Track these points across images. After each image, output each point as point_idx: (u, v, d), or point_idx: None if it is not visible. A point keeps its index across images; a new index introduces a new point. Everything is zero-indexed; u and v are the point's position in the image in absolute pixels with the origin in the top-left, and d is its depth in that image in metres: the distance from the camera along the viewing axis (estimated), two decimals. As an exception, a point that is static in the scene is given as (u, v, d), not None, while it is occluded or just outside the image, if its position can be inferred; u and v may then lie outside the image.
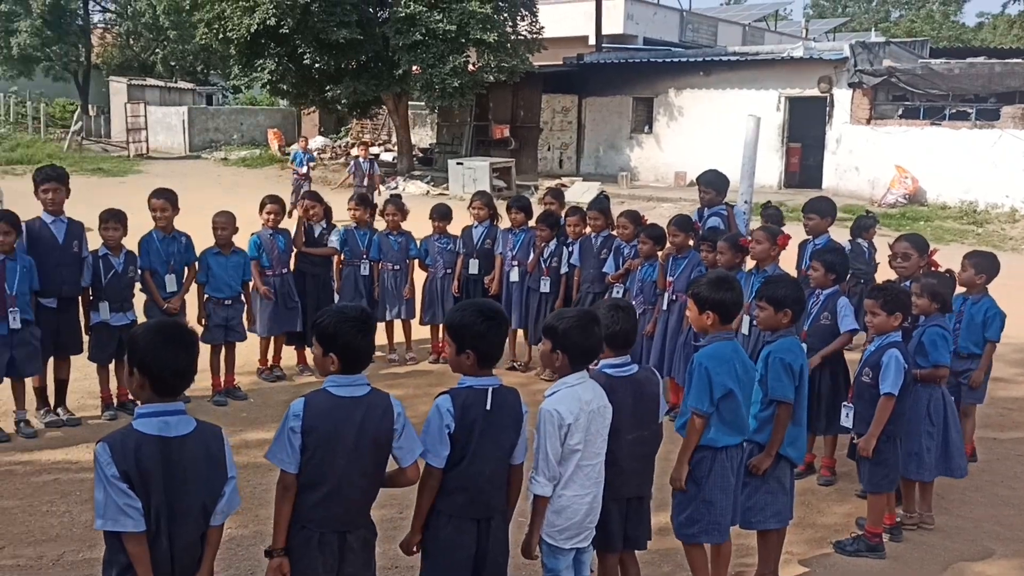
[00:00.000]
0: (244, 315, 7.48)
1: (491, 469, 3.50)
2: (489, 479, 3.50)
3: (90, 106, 37.34)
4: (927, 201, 20.66)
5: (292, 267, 7.99)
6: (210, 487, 3.03)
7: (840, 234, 9.02)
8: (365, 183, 16.65)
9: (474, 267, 8.35)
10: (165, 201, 7.01)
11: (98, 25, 40.51)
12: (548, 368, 3.91)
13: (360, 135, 31.47)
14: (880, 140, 21.58)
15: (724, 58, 24.87)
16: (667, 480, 4.28)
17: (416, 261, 8.51)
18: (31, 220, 6.52)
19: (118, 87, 35.87)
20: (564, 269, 8.03)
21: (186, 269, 7.13)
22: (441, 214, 8.46)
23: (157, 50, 38.23)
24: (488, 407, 3.46)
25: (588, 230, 7.99)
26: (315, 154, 22.48)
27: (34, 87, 37.16)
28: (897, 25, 58.87)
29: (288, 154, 30.08)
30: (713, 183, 7.66)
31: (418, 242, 8.52)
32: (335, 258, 8.26)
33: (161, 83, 37.08)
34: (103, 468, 2.86)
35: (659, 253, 7.25)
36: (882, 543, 5.02)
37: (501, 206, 8.71)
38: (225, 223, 7.23)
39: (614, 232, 7.79)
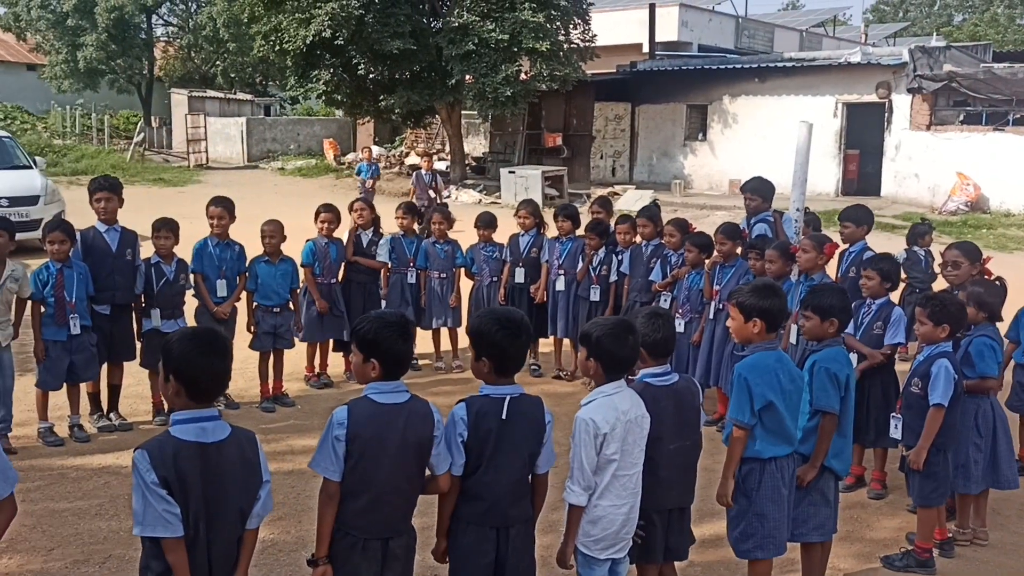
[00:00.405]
0: (292, 323, 7.57)
1: (510, 478, 3.47)
2: (508, 488, 3.47)
3: (153, 118, 38.22)
4: (990, 208, 20.16)
5: (341, 277, 8.08)
6: (246, 491, 3.07)
7: (898, 242, 8.83)
8: (429, 196, 15.21)
9: (520, 276, 8.34)
10: (223, 209, 7.17)
11: (161, 39, 41.51)
12: (586, 376, 3.88)
13: (414, 144, 31.73)
14: (940, 146, 21.12)
15: (779, 64, 24.56)
16: (711, 491, 4.22)
17: (463, 269, 8.53)
18: (86, 229, 6.72)
19: (179, 99, 36.69)
20: (613, 277, 7.99)
21: (238, 277, 7.26)
22: (486, 222, 8.48)
23: (217, 62, 39.00)
24: (504, 416, 3.44)
25: (638, 239, 7.95)
26: (379, 165, 21.52)
27: (99, 99, 38.14)
28: (960, 29, 57.58)
29: (343, 164, 30.49)
30: (758, 190, 7.56)
31: (464, 250, 8.55)
32: (383, 266, 8.31)
33: (221, 95, 37.82)
34: (142, 475, 2.90)
35: (706, 262, 7.18)
36: (932, 559, 4.89)
37: (549, 215, 8.70)
38: (273, 231, 7.33)
39: (664, 243, 7.74)
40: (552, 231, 8.48)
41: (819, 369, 4.36)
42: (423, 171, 15.88)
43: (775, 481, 4.07)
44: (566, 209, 8.49)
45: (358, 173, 18.52)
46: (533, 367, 8.52)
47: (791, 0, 73.36)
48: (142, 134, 32.99)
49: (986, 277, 5.70)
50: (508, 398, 3.48)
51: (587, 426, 3.62)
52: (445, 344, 8.60)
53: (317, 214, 7.93)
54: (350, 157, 31.47)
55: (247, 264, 7.34)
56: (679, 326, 7.26)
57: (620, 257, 7.99)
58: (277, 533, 5.11)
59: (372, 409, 3.31)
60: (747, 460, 4.08)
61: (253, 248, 7.49)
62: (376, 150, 31.21)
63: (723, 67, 25.43)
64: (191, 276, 7.03)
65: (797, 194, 9.45)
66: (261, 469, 3.12)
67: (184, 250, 7.03)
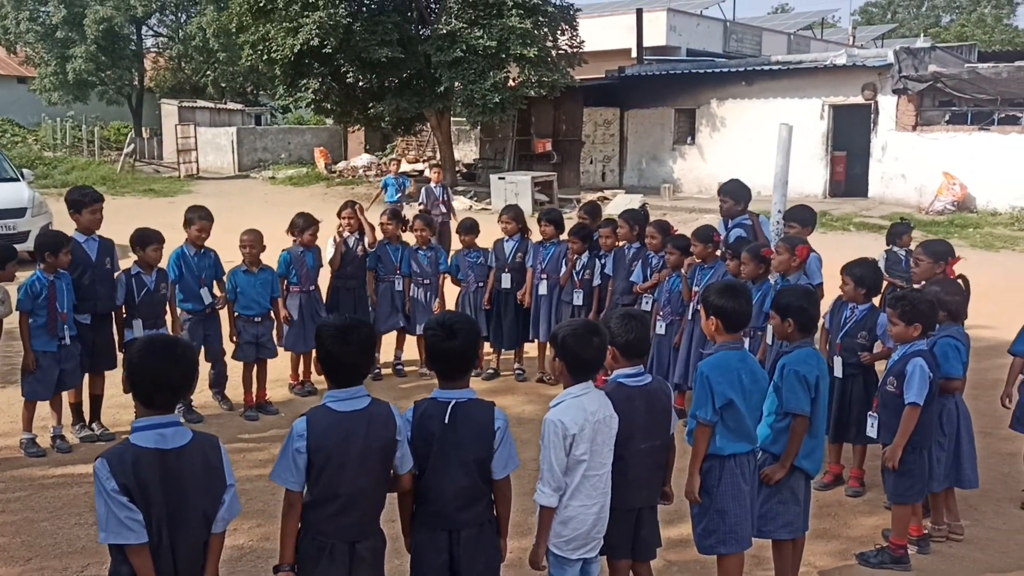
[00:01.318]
0: (274, 331, 7.59)
1: (455, 482, 3.46)
2: (454, 492, 3.47)
3: (143, 128, 38.23)
4: (976, 208, 20.24)
5: (330, 282, 8.17)
6: (210, 496, 3.08)
7: (885, 244, 8.89)
8: (442, 211, 13.76)
9: (506, 281, 8.35)
10: (209, 222, 7.24)
11: (151, 49, 41.45)
12: (554, 376, 3.91)
13: (405, 152, 31.77)
14: (927, 147, 21.22)
15: (766, 67, 24.66)
16: (684, 492, 4.25)
17: (448, 276, 8.56)
18: None
19: (169, 109, 36.70)
20: (597, 281, 8.02)
21: (215, 283, 7.32)
22: (467, 228, 8.51)
23: (208, 72, 39.01)
24: (447, 420, 3.45)
25: (621, 242, 7.99)
26: (408, 179, 17.94)
27: (90, 111, 38.10)
28: (947, 30, 57.82)
29: (334, 172, 30.51)
30: (732, 192, 7.57)
31: (449, 257, 8.56)
32: (369, 273, 8.36)
33: (211, 105, 37.84)
34: (103, 483, 2.92)
35: (684, 264, 7.21)
36: (907, 555, 4.92)
37: (533, 220, 8.73)
38: (252, 241, 7.33)
39: (646, 242, 7.77)
40: (537, 236, 8.52)
41: (788, 372, 4.39)
42: (433, 184, 14.34)
43: (735, 478, 4.11)
44: (549, 214, 8.53)
45: (384, 187, 16.29)
46: (518, 371, 8.55)
47: (780, 3, 73.68)
48: (132, 145, 32.99)
49: (949, 276, 5.72)
50: (453, 402, 3.48)
51: (556, 427, 3.65)
52: None
53: (303, 229, 7.85)
54: (341, 165, 31.51)
55: (225, 274, 7.38)
56: (660, 328, 7.29)
57: (603, 261, 8.02)
58: (256, 540, 5.13)
59: (331, 418, 3.32)
60: (707, 457, 4.12)
61: (236, 257, 7.51)
62: (367, 158, 31.27)
63: (710, 71, 25.53)
64: (173, 286, 7.06)
65: (779, 195, 9.50)
66: (225, 473, 3.13)
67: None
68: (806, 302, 4.59)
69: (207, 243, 7.29)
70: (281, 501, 5.43)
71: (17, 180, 15.28)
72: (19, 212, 14.00)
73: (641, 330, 4.00)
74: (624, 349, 3.94)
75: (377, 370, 8.37)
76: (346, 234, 8.29)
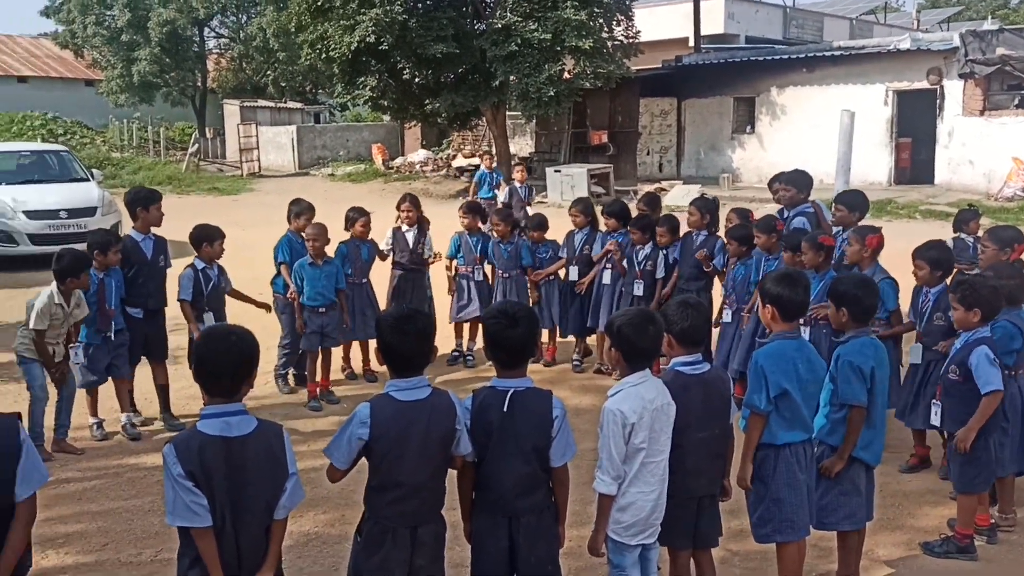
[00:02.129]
0: (340, 321, 7.74)
1: (514, 470, 3.51)
2: (513, 480, 3.52)
3: (207, 128, 38.98)
4: (1048, 194, 19.66)
5: (391, 274, 8.45)
6: (272, 483, 3.18)
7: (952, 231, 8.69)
8: (526, 212, 12.72)
9: (573, 273, 8.47)
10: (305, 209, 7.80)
11: (213, 51, 42.18)
12: (611, 366, 3.94)
13: (461, 146, 31.91)
14: (995, 132, 20.66)
15: (827, 53, 24.21)
16: (736, 480, 4.25)
17: (530, 270, 8.66)
18: (123, 238, 7.08)
19: (232, 109, 37.35)
20: (660, 273, 8.02)
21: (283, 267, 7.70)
22: (537, 224, 8.72)
23: (268, 72, 39.58)
24: (505, 409, 3.50)
25: (685, 228, 8.02)
26: (501, 173, 16.30)
27: (155, 112, 38.92)
28: (1016, 12, 56.09)
29: (391, 168, 30.77)
30: (793, 180, 7.48)
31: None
32: (449, 263, 8.64)
33: (272, 104, 38.41)
34: (170, 468, 3.04)
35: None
36: (973, 544, 4.84)
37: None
38: (317, 234, 7.50)
39: (718, 233, 7.88)
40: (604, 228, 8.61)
41: (843, 362, 4.33)
42: (518, 184, 13.71)
43: (790, 466, 4.09)
44: (612, 206, 8.60)
45: (478, 183, 15.51)
46: (575, 363, 8.58)
47: (841, -12, 72.11)
48: (196, 145, 33.68)
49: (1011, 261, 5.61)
50: (511, 391, 3.52)
51: (615, 416, 3.68)
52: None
53: (354, 220, 8.14)
54: (398, 161, 31.77)
55: (293, 267, 7.60)
56: (726, 316, 7.34)
57: (666, 252, 8.03)
58: (321, 527, 5.25)
59: (393, 407, 3.39)
60: (762, 446, 4.11)
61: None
62: (423, 153, 31.48)
63: (770, 58, 25.16)
64: (282, 267, 7.63)
65: (841, 183, 9.39)
66: (287, 462, 3.22)
67: (239, 255, 7.26)
68: (861, 291, 4.50)
69: (265, 239, 7.65)
70: (344, 488, 5.58)
71: (87, 180, 15.75)
72: (90, 211, 14.41)
73: (697, 318, 3.99)
74: (680, 337, 3.95)
75: (466, 355, 8.64)
76: (404, 227, 8.44)
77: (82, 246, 6.73)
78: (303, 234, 7.58)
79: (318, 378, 7.64)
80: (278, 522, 3.23)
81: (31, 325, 6.17)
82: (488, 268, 8.75)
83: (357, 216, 8.14)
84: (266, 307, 7.59)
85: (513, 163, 14.54)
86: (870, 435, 4.37)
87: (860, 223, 6.77)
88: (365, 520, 3.47)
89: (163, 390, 7.15)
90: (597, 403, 7.00)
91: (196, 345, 3.21)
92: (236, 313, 7.38)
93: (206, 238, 7.02)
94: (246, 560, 3.16)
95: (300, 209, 7.87)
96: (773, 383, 4.03)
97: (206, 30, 40.14)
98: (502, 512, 3.56)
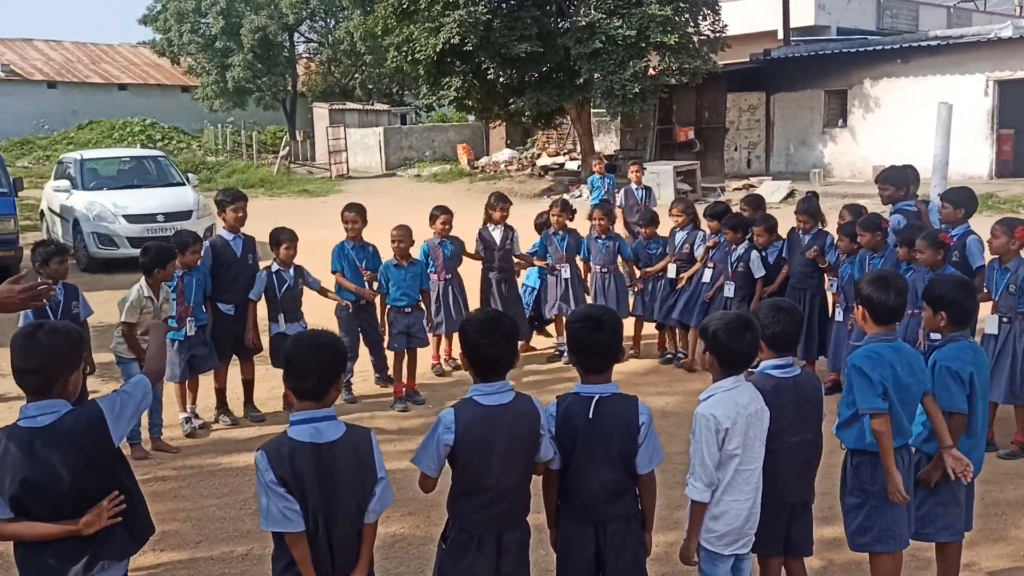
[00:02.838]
0: (424, 320, 7.87)
1: (601, 476, 3.45)
2: (600, 486, 3.45)
3: (297, 131, 39.86)
4: None
5: (482, 273, 8.56)
6: (361, 488, 3.19)
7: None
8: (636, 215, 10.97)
9: (672, 271, 8.53)
10: (356, 214, 7.70)
11: (302, 55, 43.14)
12: (704, 370, 3.82)
13: (546, 145, 31.88)
14: (1106, 121, 19.68)
15: (923, 43, 23.40)
16: (835, 489, 4.10)
17: (629, 262, 8.91)
18: (213, 238, 7.36)
19: (321, 112, 38.10)
20: (759, 272, 7.92)
21: (366, 274, 7.70)
22: (649, 219, 8.90)
23: (356, 75, 40.27)
24: (591, 416, 3.43)
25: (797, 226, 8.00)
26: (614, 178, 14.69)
27: (248, 117, 39.99)
28: None
29: (476, 168, 30.93)
30: (889, 178, 7.41)
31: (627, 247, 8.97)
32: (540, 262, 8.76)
33: (359, 106, 39.07)
34: (262, 474, 3.07)
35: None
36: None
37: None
38: (402, 236, 7.58)
39: (825, 229, 7.86)
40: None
41: (939, 368, 4.12)
42: (634, 185, 12.35)
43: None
44: (715, 207, 8.62)
45: (591, 189, 14.31)
46: (674, 355, 8.73)
47: (938, -25, 69.71)
48: (287, 148, 34.45)
49: None
50: (597, 397, 3.46)
51: (708, 421, 3.58)
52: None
53: (434, 217, 8.31)
54: (483, 161, 31.92)
55: (378, 268, 7.71)
56: (838, 315, 7.34)
57: (764, 253, 7.98)
58: (407, 528, 5.28)
59: (477, 412, 3.36)
60: (857, 452, 3.94)
61: (386, 252, 7.80)
62: (508, 152, 31.53)
63: (862, 50, 24.44)
64: (335, 276, 7.63)
65: (938, 178, 9.04)
66: (376, 466, 3.23)
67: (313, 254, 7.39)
68: (961, 294, 4.26)
69: (367, 237, 7.79)
70: (436, 493, 5.62)
71: (183, 184, 16.25)
72: (186, 215, 14.85)
73: (789, 323, 3.87)
74: (770, 341, 3.84)
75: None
76: (490, 226, 8.50)
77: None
78: (390, 235, 7.65)
79: (404, 379, 7.69)
80: (369, 526, 3.24)
81: (122, 318, 6.37)
82: (580, 264, 8.83)
83: (438, 214, 8.30)
84: (371, 296, 7.69)
85: (630, 162, 13.47)
86: (970, 444, 4.15)
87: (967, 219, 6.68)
88: (450, 527, 3.46)
89: (248, 384, 7.39)
90: (684, 405, 6.93)
91: (286, 349, 3.22)
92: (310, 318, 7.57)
93: (272, 241, 7.26)
94: (339, 564, 3.17)
95: (346, 211, 7.76)
96: (877, 382, 3.84)
97: (296, 35, 41.05)
98: (589, 519, 3.50)
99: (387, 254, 7.77)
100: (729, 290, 7.99)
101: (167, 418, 6.74)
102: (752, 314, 4.03)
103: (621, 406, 3.49)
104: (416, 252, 7.96)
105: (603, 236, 8.68)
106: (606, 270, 8.67)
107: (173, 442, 6.74)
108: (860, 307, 4.02)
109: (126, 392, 3.26)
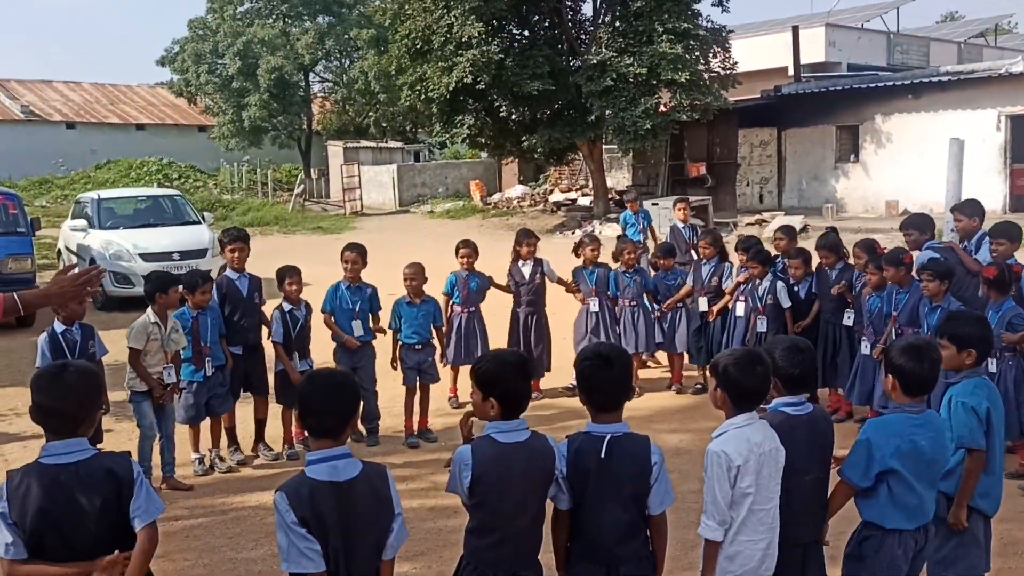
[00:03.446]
0: (436, 356, 7.88)
1: (613, 517, 3.42)
2: (612, 527, 3.42)
3: (312, 169, 40.18)
4: None
5: (512, 309, 8.67)
6: (380, 525, 3.18)
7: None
8: (689, 257, 10.52)
9: (703, 304, 8.59)
10: (356, 254, 7.54)
11: (317, 94, 43.59)
12: (716, 407, 3.79)
13: (558, 181, 32.02)
14: (1119, 154, 19.63)
15: (935, 79, 23.47)
16: (850, 528, 4.05)
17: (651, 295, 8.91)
18: (219, 278, 7.31)
19: (335, 150, 38.43)
20: (786, 304, 7.96)
21: (371, 317, 7.59)
22: (666, 251, 9.10)
23: (370, 113, 40.60)
24: (603, 455, 3.41)
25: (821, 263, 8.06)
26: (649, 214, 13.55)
27: (263, 155, 40.34)
28: None
29: (489, 204, 31.05)
30: (914, 224, 7.57)
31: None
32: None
33: (373, 144, 39.38)
34: (283, 515, 3.05)
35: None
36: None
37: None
38: (414, 274, 7.61)
39: (850, 262, 7.88)
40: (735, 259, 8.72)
41: (956, 404, 4.07)
42: (680, 224, 11.48)
43: (893, 554, 3.77)
44: (746, 242, 8.64)
45: (624, 227, 13.22)
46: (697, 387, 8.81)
47: (949, 12, 70.09)
48: (302, 185, 34.70)
49: None
50: (609, 437, 3.43)
51: (719, 458, 3.54)
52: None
53: (457, 249, 8.48)
54: (496, 197, 32.05)
55: (393, 305, 7.69)
56: (864, 348, 7.33)
57: (796, 288, 8.03)
58: (419, 569, 5.23)
59: (494, 449, 3.36)
60: (869, 524, 3.82)
61: (399, 290, 7.80)
62: (520, 189, 31.65)
63: (873, 85, 24.52)
64: (323, 316, 7.51)
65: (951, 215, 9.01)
66: (393, 503, 3.22)
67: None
68: (988, 331, 4.27)
69: (377, 274, 7.78)
70: (443, 530, 5.59)
71: (199, 223, 16.38)
72: (201, 252, 14.96)
73: (807, 364, 3.81)
74: (787, 382, 3.79)
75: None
76: (520, 263, 8.63)
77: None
78: (403, 273, 7.67)
79: (415, 415, 7.68)
80: (386, 562, 3.23)
81: (129, 343, 6.38)
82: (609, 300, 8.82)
83: (462, 247, 8.48)
84: (380, 331, 7.62)
85: (675, 201, 12.61)
86: (988, 482, 4.09)
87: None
88: (463, 566, 3.44)
89: (260, 424, 7.37)
90: (698, 443, 6.88)
91: (300, 387, 3.25)
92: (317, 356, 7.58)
93: (277, 279, 7.30)
94: None
95: (346, 251, 7.61)
96: (878, 459, 3.72)
97: (311, 75, 41.48)
98: (601, 560, 3.46)
99: (399, 290, 7.77)
100: (762, 324, 8.00)
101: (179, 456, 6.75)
102: (763, 349, 4.01)
103: (633, 446, 3.47)
104: (441, 283, 8.01)
105: (629, 270, 8.74)
106: (635, 303, 8.72)
107: (186, 479, 6.74)
108: (890, 376, 3.85)
109: (150, 486, 3.27)
